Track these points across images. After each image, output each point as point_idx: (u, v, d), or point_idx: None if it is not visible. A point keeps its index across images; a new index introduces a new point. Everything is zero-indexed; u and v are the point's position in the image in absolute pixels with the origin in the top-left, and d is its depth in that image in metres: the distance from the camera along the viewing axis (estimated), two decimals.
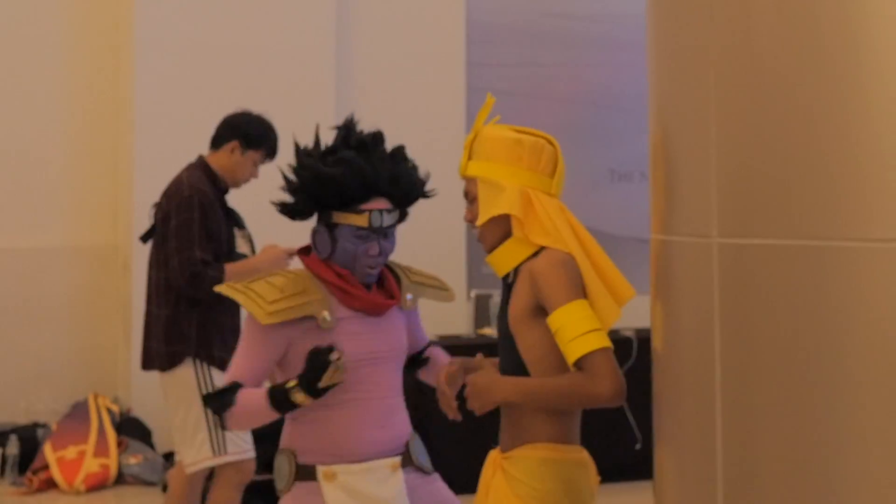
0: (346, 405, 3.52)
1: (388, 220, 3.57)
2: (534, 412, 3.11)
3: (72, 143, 8.92)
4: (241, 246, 5.49)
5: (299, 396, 3.36)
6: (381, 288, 3.67)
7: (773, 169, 2.22)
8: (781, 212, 2.20)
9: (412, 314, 3.86)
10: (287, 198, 3.66)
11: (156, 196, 8.41)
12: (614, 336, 8.22)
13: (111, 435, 8.20)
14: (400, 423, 3.65)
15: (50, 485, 7.94)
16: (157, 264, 5.52)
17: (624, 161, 10.12)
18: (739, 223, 2.29)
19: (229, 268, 5.25)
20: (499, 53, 9.80)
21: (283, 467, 3.55)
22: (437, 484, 3.72)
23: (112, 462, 8.06)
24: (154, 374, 8.33)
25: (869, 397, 2.10)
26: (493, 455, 3.21)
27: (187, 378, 5.32)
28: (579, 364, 2.97)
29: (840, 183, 2.14)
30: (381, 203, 3.57)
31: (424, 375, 3.95)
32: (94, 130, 8.94)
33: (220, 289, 3.61)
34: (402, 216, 3.73)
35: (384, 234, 3.57)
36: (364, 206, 3.53)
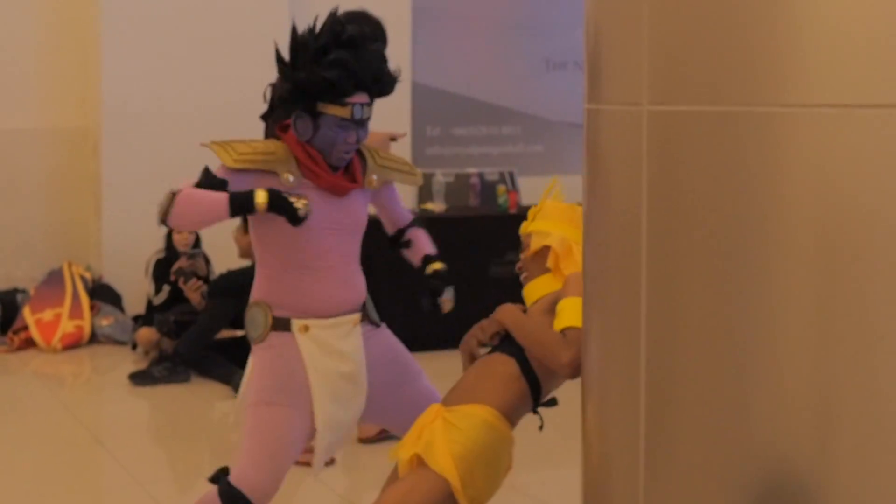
0: (318, 271, 3.59)
1: (366, 112, 3.60)
2: (494, 380, 3.12)
3: (44, 31, 8.74)
4: None
5: (261, 196, 3.40)
6: (346, 172, 3.70)
7: (702, 36, 2.18)
8: (708, 79, 2.16)
9: (389, 194, 3.91)
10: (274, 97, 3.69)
11: (123, 83, 8.40)
12: None
13: (84, 299, 8.19)
14: (360, 285, 3.71)
15: (29, 344, 7.95)
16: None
17: (558, 51, 10.08)
18: (668, 91, 2.25)
19: None
20: None
21: (258, 318, 3.59)
22: (385, 332, 3.82)
23: (86, 323, 8.07)
24: (123, 245, 8.39)
25: (790, 262, 2.06)
26: (435, 407, 3.18)
27: None
28: (564, 332, 3.03)
29: (763, 49, 2.10)
30: (362, 97, 3.58)
31: (408, 255, 4.04)
32: (65, 19, 8.76)
33: (207, 144, 3.62)
34: (388, 94, 3.74)
35: (361, 125, 3.61)
36: (348, 100, 3.55)
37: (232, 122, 5.57)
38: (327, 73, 3.51)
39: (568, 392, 3.14)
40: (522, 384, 3.13)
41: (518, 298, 5.58)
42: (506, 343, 3.21)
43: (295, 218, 3.42)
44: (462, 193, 8.20)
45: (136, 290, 8.15)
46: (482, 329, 3.29)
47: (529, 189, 8.72)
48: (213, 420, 6.29)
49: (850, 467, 2.02)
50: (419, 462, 3.04)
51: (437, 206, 8.06)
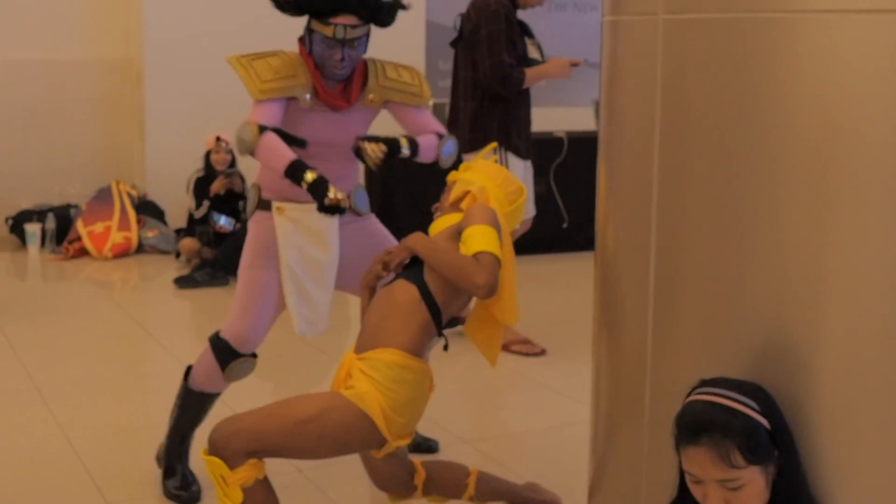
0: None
1: (351, 33, 3.52)
2: (397, 317, 3.05)
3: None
4: (532, 52, 5.50)
5: (310, 176, 3.37)
6: (345, 89, 3.66)
7: None
8: None
9: (405, 114, 3.79)
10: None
11: (164, 16, 8.36)
12: (548, 137, 8.29)
13: (132, 213, 8.23)
14: (339, 183, 3.56)
15: (83, 253, 8.01)
16: (465, 65, 5.52)
17: None
18: (682, 0, 2.21)
19: (528, 72, 5.35)
20: None
21: (252, 197, 3.73)
22: (370, 221, 3.84)
23: (133, 235, 8.12)
24: (165, 165, 8.41)
25: (790, 154, 2.05)
26: (349, 356, 3.09)
27: None
28: (477, 256, 2.98)
29: None
30: (348, 19, 3.51)
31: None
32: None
33: (229, 59, 3.61)
34: (384, 22, 3.65)
35: (350, 45, 3.55)
36: (333, 20, 3.51)
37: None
38: None
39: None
40: (423, 313, 3.06)
41: None
42: (407, 271, 3.16)
43: (322, 206, 3.38)
44: None
45: (178, 206, 8.18)
46: (390, 255, 3.20)
47: (533, 116, 8.70)
48: None
49: (838, 335, 2.05)
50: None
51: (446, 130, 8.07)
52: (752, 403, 2.00)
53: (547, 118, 9.02)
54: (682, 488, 2.11)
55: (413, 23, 9.36)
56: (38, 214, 8.30)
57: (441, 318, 3.09)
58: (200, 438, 3.06)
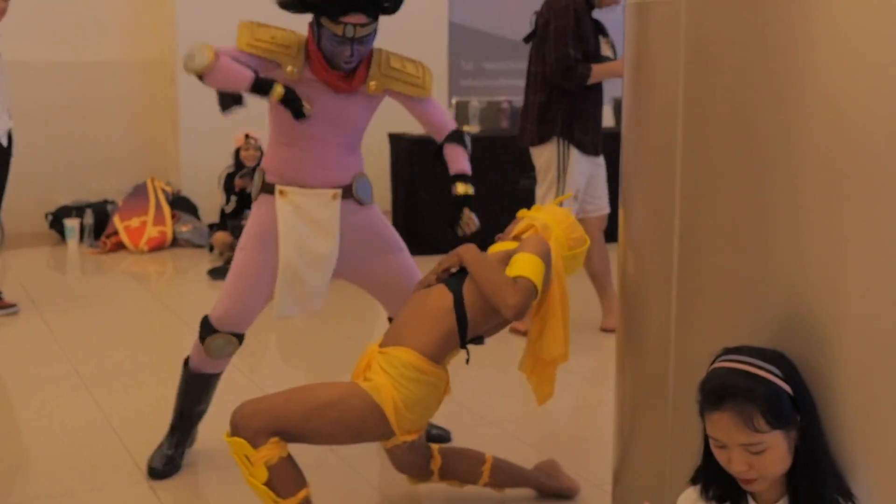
0: (302, 150, 3.61)
1: (360, 32, 3.49)
2: (425, 318, 3.08)
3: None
4: (605, 50, 5.49)
5: (279, 89, 3.46)
6: (347, 75, 3.62)
7: None
8: None
9: (413, 105, 3.78)
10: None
11: (196, 19, 8.39)
12: None
13: (166, 209, 8.28)
14: (342, 169, 3.66)
15: (119, 247, 8.07)
16: (536, 60, 5.50)
17: None
18: None
19: (595, 67, 5.34)
20: None
21: (256, 181, 3.70)
22: (371, 211, 3.79)
23: (168, 229, 8.17)
24: (198, 162, 8.44)
25: (809, 128, 2.04)
26: (372, 347, 3.11)
27: (550, 153, 5.43)
28: (517, 279, 3.01)
29: None
30: (358, 18, 3.46)
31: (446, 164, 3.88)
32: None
33: (241, 23, 3.64)
34: (390, 11, 3.59)
35: (360, 41, 3.52)
36: (342, 19, 3.46)
37: None
38: None
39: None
40: (451, 322, 3.05)
41: None
42: (451, 279, 3.17)
43: (299, 114, 3.47)
44: (494, 117, 8.19)
45: (211, 201, 8.22)
46: (440, 263, 3.25)
47: None
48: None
49: (855, 307, 2.04)
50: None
51: (472, 128, 8.06)
52: (775, 370, 1.99)
53: None
54: (707, 455, 2.10)
55: (436, 24, 9.39)
56: (77, 210, 8.37)
57: (467, 332, 3.09)
58: (218, 426, 3.07)
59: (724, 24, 2.18)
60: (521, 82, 9.93)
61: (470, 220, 3.69)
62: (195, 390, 3.76)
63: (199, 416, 3.81)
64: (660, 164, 2.38)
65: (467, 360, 3.21)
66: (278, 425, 2.87)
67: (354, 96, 3.65)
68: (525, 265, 3.04)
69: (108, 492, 3.59)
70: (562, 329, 3.22)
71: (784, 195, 2.11)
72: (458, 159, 3.78)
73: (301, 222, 3.62)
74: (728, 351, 2.07)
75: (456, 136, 3.79)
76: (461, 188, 3.72)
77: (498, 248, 3.28)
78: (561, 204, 3.70)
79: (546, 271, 3.10)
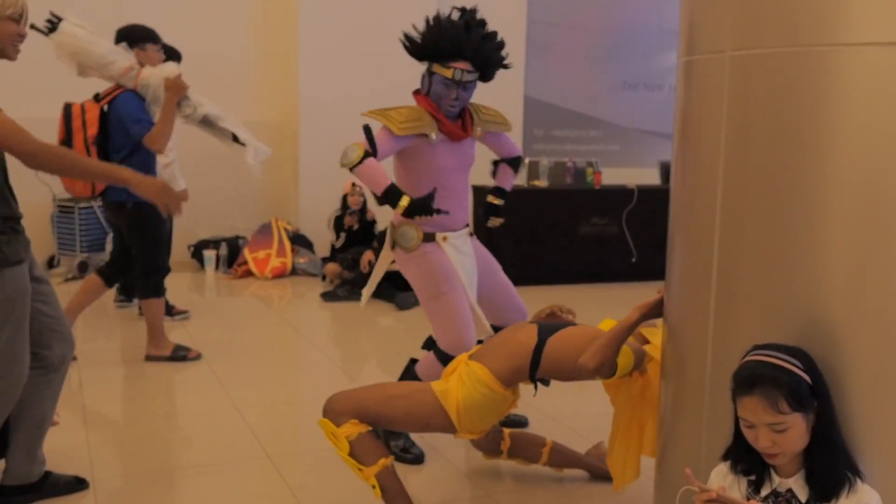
0: (446, 199, 3.66)
1: (466, 77, 3.56)
2: (508, 347, 3.02)
3: (254, 50, 8.97)
4: None
5: (404, 202, 3.43)
6: (462, 125, 3.73)
7: None
8: (778, 25, 2.08)
9: (495, 139, 3.96)
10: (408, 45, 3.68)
11: (315, 89, 8.58)
12: (622, 189, 8.30)
13: (287, 244, 8.39)
14: (467, 207, 3.79)
15: (248, 274, 8.21)
16: None
17: (632, 75, 10.03)
18: (746, 37, 2.16)
19: None
20: None
21: (409, 234, 3.63)
22: (477, 241, 3.91)
23: (288, 260, 8.28)
24: (314, 206, 8.58)
25: (837, 169, 2.01)
26: (464, 355, 3.10)
27: None
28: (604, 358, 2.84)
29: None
30: (465, 65, 3.56)
31: (497, 181, 4.16)
32: (271, 40, 8.99)
33: (366, 113, 3.62)
34: (487, 76, 3.69)
35: (463, 87, 3.60)
36: (452, 64, 3.56)
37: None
38: (440, 40, 3.55)
39: None
40: (525, 360, 3.00)
41: (597, 253, 5.23)
42: (547, 325, 3.10)
43: (431, 212, 3.44)
44: (560, 174, 8.24)
45: (324, 239, 8.35)
46: (561, 306, 3.21)
47: (608, 175, 8.75)
48: (377, 324, 6.41)
49: (868, 314, 2.04)
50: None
51: (541, 183, 8.12)
52: (797, 362, 2.02)
53: (621, 175, 9.06)
54: (737, 435, 2.13)
55: (514, 97, 9.48)
56: (214, 243, 8.52)
57: (536, 372, 3.03)
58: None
59: (762, 76, 2.15)
60: (583, 147, 10.04)
61: (494, 222, 4.15)
62: None
63: None
64: (704, 192, 2.36)
65: (534, 394, 3.26)
66: (357, 408, 2.94)
67: (466, 142, 3.75)
68: (624, 357, 2.89)
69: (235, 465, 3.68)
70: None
71: (809, 228, 2.11)
72: (505, 177, 4.12)
73: (460, 256, 3.68)
74: (758, 347, 2.10)
75: (512, 161, 4.08)
76: (491, 199, 4.14)
77: (609, 326, 3.08)
78: None
79: (633, 363, 2.94)
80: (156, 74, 5.04)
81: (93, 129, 5.04)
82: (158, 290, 5.21)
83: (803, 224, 2.12)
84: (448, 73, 3.57)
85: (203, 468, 3.64)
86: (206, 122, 5.18)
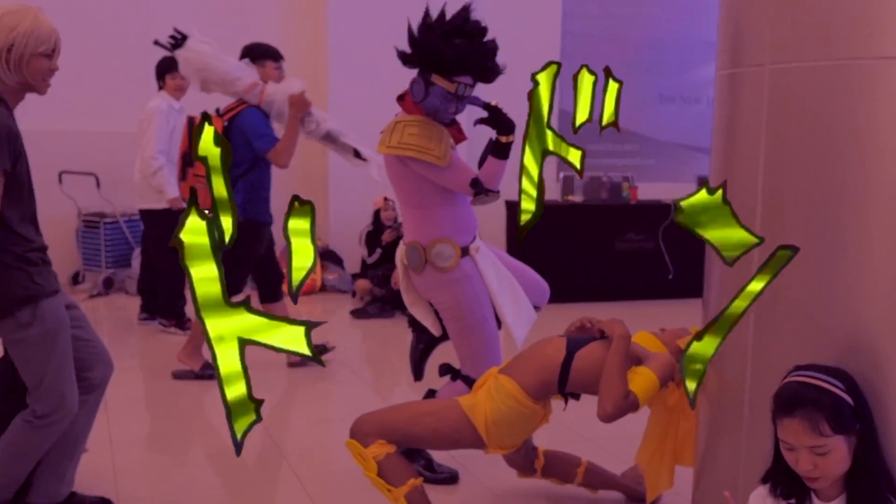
0: (458, 206, 3.52)
1: (468, 91, 3.44)
2: (537, 362, 3.00)
3: (284, 58, 9.04)
4: None
5: (504, 138, 3.38)
6: (457, 126, 3.61)
7: (810, 7, 2.11)
8: (817, 39, 2.10)
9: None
10: (406, 50, 3.50)
11: (343, 107, 8.62)
12: (658, 204, 8.25)
13: (317, 260, 8.42)
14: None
15: None
16: None
17: (668, 88, 9.99)
18: (785, 50, 2.17)
19: None
20: (586, 4, 9.71)
21: (446, 251, 3.45)
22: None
23: (318, 277, 8.33)
24: (343, 223, 8.61)
25: (876, 184, 2.02)
26: (494, 369, 3.09)
27: None
28: (629, 393, 2.81)
29: (849, 9, 2.02)
30: (468, 79, 3.43)
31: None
32: (299, 50, 9.03)
33: (385, 153, 3.46)
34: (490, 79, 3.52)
35: (461, 100, 3.47)
36: (457, 78, 3.41)
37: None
38: (448, 52, 3.37)
39: None
40: (554, 374, 2.97)
41: (633, 269, 5.14)
42: (576, 338, 3.06)
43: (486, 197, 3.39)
44: (595, 189, 8.21)
45: (354, 255, 8.35)
46: (591, 319, 3.14)
47: (644, 189, 8.71)
48: (406, 340, 6.41)
49: None
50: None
51: (576, 198, 8.10)
52: (839, 384, 1.99)
53: (657, 190, 9.01)
54: (777, 457, 2.10)
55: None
56: None
57: (566, 386, 3.01)
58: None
59: (800, 89, 2.16)
60: (619, 161, 10.01)
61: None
62: None
63: None
64: (743, 210, 2.27)
65: (564, 408, 3.19)
66: (384, 429, 2.94)
67: (458, 147, 3.64)
68: (643, 384, 2.85)
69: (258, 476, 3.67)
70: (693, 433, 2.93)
71: (850, 243, 2.11)
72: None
73: (487, 261, 3.55)
74: (799, 368, 2.07)
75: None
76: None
77: (643, 339, 3.10)
78: None
79: (659, 386, 2.91)
80: (280, 90, 5.16)
81: (184, 145, 5.35)
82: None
83: (844, 239, 2.11)
84: (451, 87, 3.43)
85: (230, 489, 3.64)
86: (329, 138, 5.34)
